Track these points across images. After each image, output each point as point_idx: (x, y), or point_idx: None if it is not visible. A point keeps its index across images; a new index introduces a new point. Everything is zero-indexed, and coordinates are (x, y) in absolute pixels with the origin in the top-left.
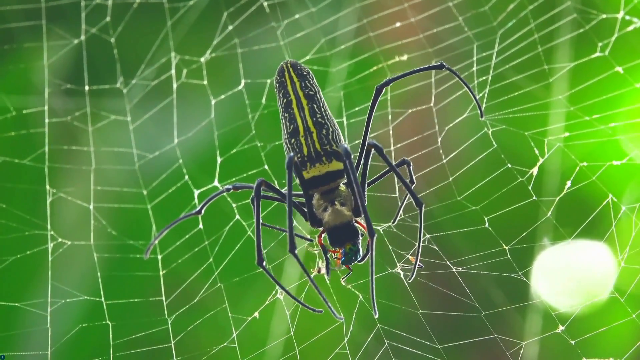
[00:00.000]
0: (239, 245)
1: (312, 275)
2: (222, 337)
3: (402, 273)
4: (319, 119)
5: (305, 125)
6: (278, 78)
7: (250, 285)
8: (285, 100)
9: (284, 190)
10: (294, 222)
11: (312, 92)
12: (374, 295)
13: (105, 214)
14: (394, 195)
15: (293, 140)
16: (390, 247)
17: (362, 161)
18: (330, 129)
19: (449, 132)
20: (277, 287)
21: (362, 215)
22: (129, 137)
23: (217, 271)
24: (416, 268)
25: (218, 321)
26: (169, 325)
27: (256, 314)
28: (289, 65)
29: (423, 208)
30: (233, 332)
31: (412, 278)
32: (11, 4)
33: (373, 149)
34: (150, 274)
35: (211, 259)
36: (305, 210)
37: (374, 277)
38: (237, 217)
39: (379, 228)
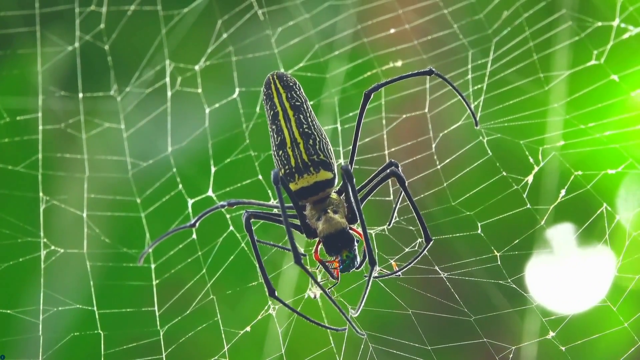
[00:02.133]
0: (232, 257)
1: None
2: (214, 349)
3: (374, 274)
4: (306, 130)
5: (292, 137)
6: (265, 90)
7: (243, 298)
8: (272, 112)
9: (276, 210)
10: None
11: (298, 103)
12: (363, 302)
13: (98, 222)
14: (387, 198)
15: (281, 152)
16: (377, 251)
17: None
18: (318, 139)
19: (444, 139)
20: (269, 302)
21: (364, 246)
22: (123, 145)
23: (210, 283)
24: (393, 274)
25: (210, 333)
26: (161, 337)
27: (248, 328)
28: (275, 76)
29: (430, 244)
30: (225, 346)
31: (380, 277)
32: (5, 9)
33: (395, 178)
34: (143, 283)
35: (204, 270)
36: (299, 223)
37: (366, 294)
38: (231, 228)
39: (371, 232)
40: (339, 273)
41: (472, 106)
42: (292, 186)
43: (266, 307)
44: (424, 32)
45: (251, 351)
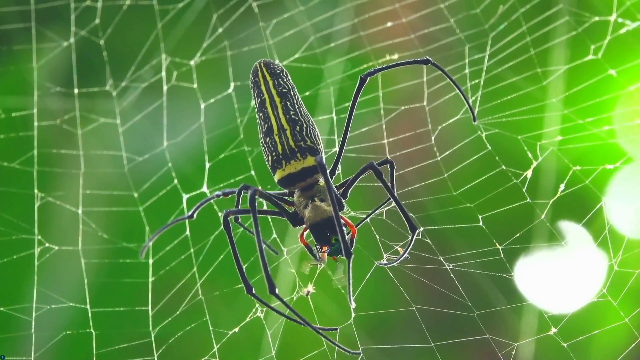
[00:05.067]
0: (222, 256)
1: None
2: (204, 350)
3: (384, 261)
4: (293, 116)
5: (278, 123)
6: (252, 78)
7: (233, 297)
8: (259, 99)
9: (266, 206)
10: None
11: (285, 90)
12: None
13: (94, 218)
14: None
15: (268, 139)
16: (378, 237)
17: (342, 155)
18: (305, 125)
19: (443, 133)
20: (257, 305)
21: (339, 236)
22: (119, 140)
23: (199, 282)
24: (400, 260)
25: (201, 334)
26: (152, 338)
27: (236, 329)
28: (262, 64)
29: (416, 233)
30: (214, 346)
31: (389, 265)
32: (1, 6)
33: (371, 171)
34: (138, 280)
35: (195, 269)
36: (286, 209)
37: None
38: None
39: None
40: (326, 256)
41: (470, 101)
42: (280, 173)
43: (254, 310)
44: (420, 26)
45: (243, 351)
